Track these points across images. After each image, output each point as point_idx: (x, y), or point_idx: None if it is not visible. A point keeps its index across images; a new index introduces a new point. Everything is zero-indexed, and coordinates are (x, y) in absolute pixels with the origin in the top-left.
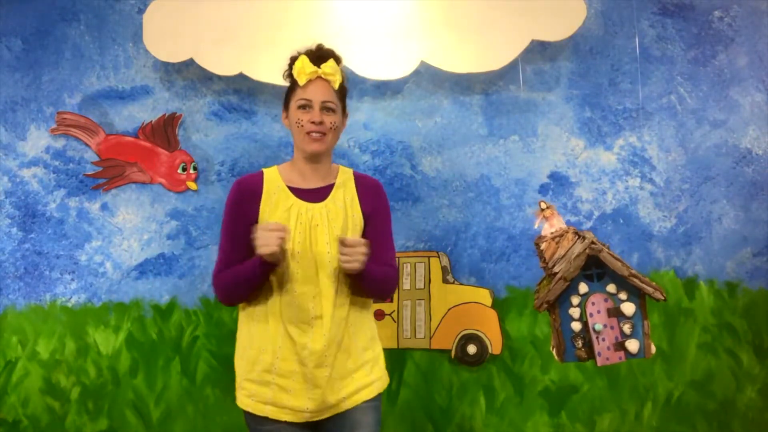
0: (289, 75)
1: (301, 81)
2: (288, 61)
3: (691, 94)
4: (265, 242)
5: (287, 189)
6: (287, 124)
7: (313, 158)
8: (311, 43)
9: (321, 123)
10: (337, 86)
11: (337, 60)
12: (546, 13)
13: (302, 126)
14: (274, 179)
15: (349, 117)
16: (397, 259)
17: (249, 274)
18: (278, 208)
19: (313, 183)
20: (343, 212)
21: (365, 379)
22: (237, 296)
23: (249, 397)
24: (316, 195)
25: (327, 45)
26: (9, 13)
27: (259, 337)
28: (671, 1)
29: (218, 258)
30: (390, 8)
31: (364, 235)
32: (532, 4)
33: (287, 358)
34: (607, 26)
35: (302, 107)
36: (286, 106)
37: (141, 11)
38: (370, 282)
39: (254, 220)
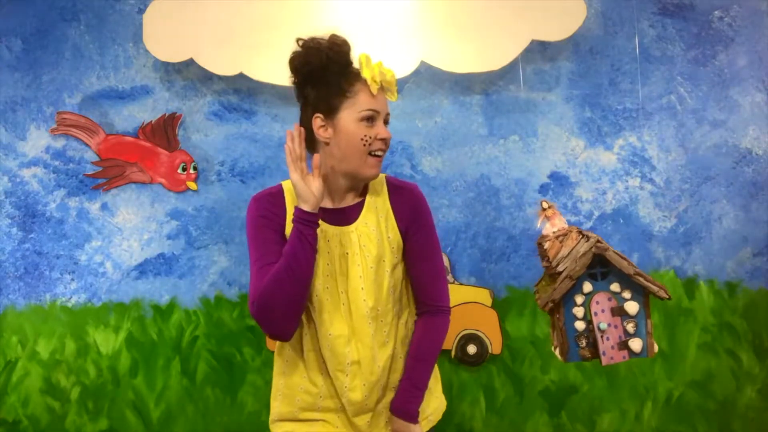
0: (340, 73)
1: (375, 89)
2: (356, 58)
3: (691, 94)
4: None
5: None
6: (327, 136)
7: (370, 180)
8: (324, 33)
9: (388, 139)
10: (395, 98)
11: None
12: (546, 13)
13: (368, 144)
14: (295, 201)
15: None
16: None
17: (289, 250)
18: None
19: (342, 202)
20: (377, 234)
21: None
22: (281, 302)
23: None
24: (346, 216)
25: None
26: (9, 13)
27: (298, 379)
28: (671, 1)
29: (251, 280)
30: (390, 8)
31: (404, 259)
32: (532, 4)
33: (330, 396)
34: (607, 26)
35: (368, 119)
36: (329, 113)
37: (141, 11)
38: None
39: (283, 232)
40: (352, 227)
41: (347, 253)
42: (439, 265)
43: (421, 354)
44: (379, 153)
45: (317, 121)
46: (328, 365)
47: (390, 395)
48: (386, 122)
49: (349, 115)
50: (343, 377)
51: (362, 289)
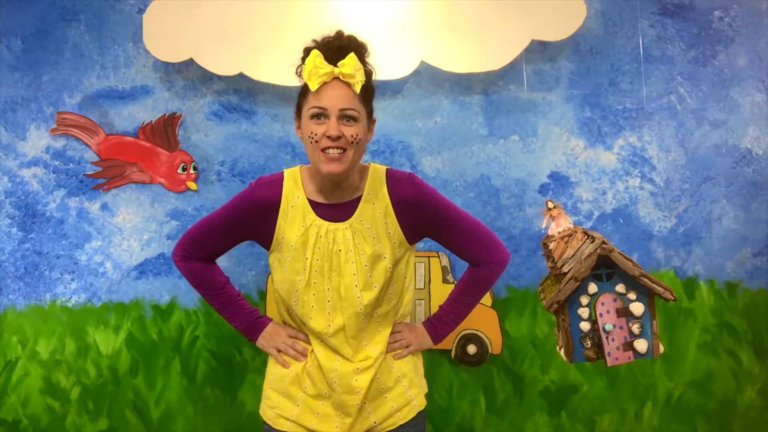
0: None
1: (313, 85)
2: (301, 54)
3: (691, 94)
4: (276, 343)
5: (307, 202)
6: (300, 135)
7: (333, 178)
8: (330, 30)
9: (339, 138)
10: (359, 89)
11: (361, 52)
12: (546, 13)
13: (316, 141)
14: (294, 189)
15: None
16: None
17: (226, 316)
18: (295, 225)
19: (335, 197)
20: (372, 232)
21: (401, 398)
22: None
23: (271, 408)
24: (341, 211)
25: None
26: (9, 13)
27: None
28: (671, 1)
29: (194, 230)
30: (390, 8)
31: (438, 240)
32: (532, 4)
33: (317, 381)
34: (607, 26)
35: (315, 117)
36: (298, 113)
37: (141, 11)
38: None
39: (264, 232)
40: (346, 224)
41: (340, 251)
42: (473, 226)
43: (469, 288)
44: (331, 152)
45: (295, 123)
46: (319, 346)
47: (377, 376)
48: (349, 117)
49: (305, 115)
50: (335, 357)
51: (356, 286)
